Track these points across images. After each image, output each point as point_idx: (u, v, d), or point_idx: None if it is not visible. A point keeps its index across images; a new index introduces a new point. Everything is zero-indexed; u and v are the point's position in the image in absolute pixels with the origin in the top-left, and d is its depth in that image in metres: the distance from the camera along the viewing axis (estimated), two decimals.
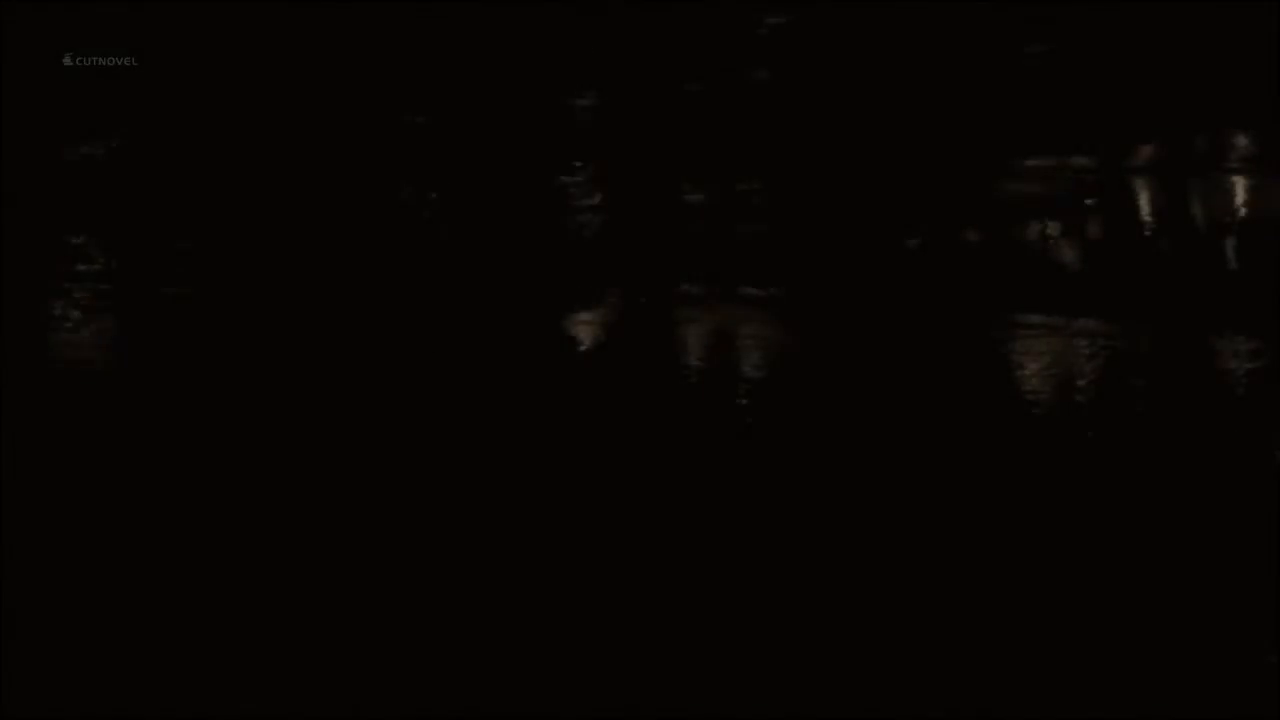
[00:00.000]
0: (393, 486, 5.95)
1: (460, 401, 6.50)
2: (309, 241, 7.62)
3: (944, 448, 5.95)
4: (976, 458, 5.90)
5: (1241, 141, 7.69)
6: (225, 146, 7.98)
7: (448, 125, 7.75)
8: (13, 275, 7.23)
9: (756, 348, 6.75)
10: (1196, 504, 5.59)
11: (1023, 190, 7.62)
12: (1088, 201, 7.49)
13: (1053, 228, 7.36)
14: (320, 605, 5.36)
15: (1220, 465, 5.80)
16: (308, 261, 7.51)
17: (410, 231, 7.66)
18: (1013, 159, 7.80)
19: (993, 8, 8.15)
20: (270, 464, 6.16)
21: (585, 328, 6.96)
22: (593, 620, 5.25)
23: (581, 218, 7.69)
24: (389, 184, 7.94)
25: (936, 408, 6.25)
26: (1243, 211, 7.28)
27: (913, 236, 7.38)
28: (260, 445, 6.29)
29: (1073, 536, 5.46)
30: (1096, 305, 6.78)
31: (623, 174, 7.92)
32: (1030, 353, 6.49)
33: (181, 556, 5.62)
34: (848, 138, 7.90)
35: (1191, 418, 6.08)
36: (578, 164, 7.99)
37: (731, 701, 4.92)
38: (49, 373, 6.82)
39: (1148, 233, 7.31)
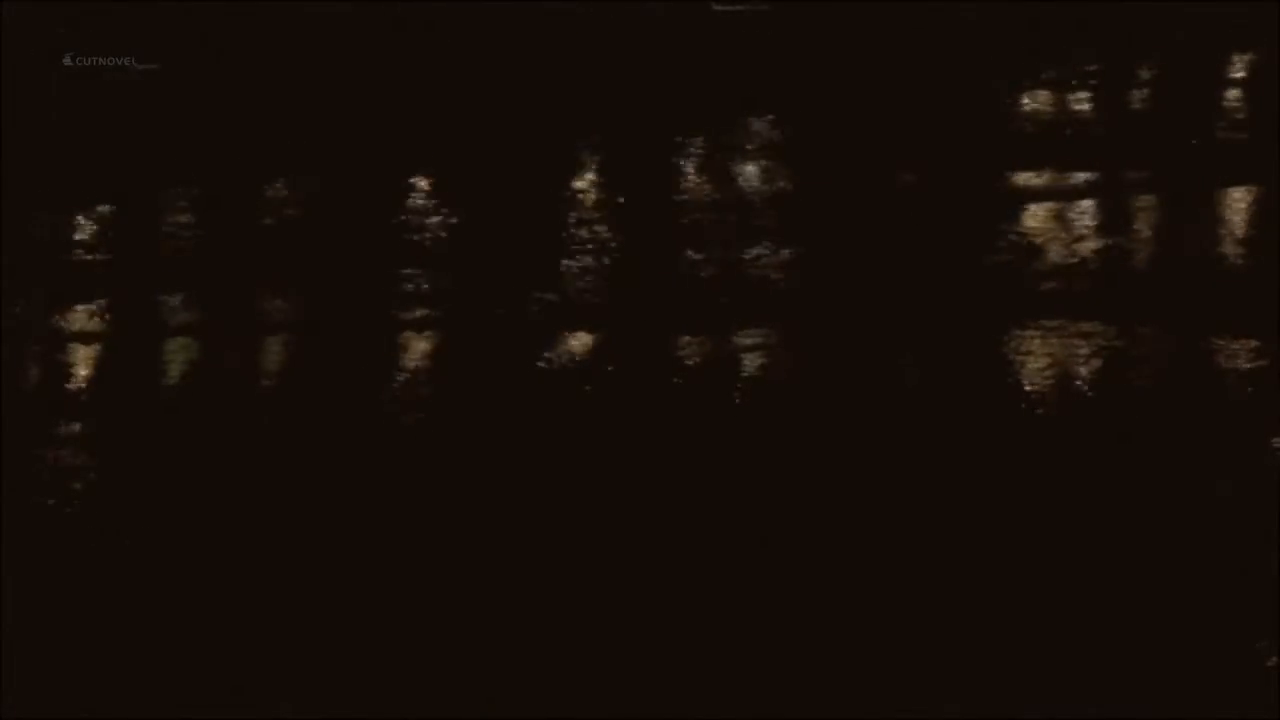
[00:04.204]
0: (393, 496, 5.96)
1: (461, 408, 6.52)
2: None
3: (943, 449, 5.96)
4: (975, 459, 5.90)
5: (1239, 142, 7.67)
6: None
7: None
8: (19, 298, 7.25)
9: (754, 346, 6.76)
10: (1197, 504, 5.59)
11: (1023, 192, 7.60)
12: (1088, 204, 7.48)
13: (1052, 228, 7.36)
14: (318, 605, 5.37)
15: (1220, 465, 5.80)
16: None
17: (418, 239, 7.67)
18: (1012, 162, 7.79)
19: (990, 20, 8.14)
20: (269, 467, 6.17)
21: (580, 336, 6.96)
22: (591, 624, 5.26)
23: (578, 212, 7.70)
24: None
25: (935, 409, 6.25)
26: (1243, 212, 7.27)
27: (911, 237, 7.38)
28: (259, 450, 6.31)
29: (1072, 537, 5.46)
30: (1096, 306, 6.78)
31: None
32: (1029, 353, 6.50)
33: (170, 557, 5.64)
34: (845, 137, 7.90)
35: (1191, 418, 6.08)
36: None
37: (733, 703, 4.93)
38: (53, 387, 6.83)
39: (1148, 233, 7.31)
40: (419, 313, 7.11)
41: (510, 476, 5.95)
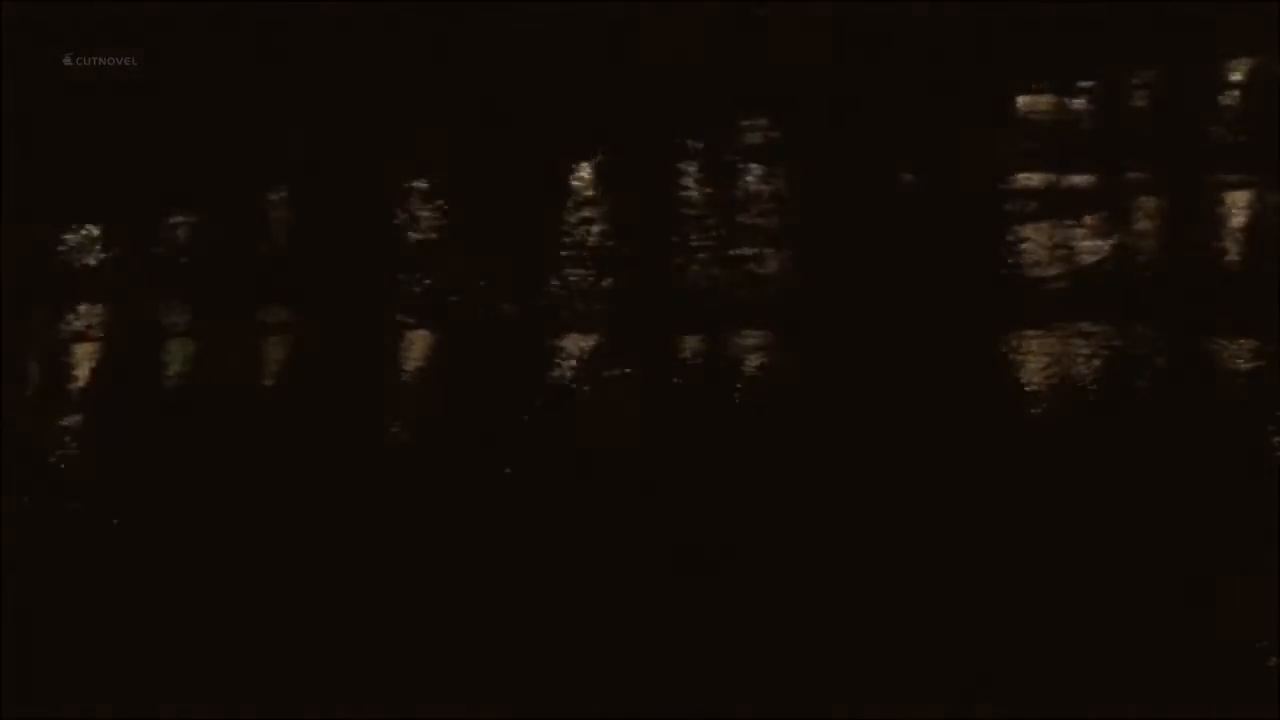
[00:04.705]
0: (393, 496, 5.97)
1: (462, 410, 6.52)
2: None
3: (943, 448, 5.95)
4: (976, 459, 5.90)
5: (1239, 143, 7.69)
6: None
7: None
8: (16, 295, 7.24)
9: (752, 345, 6.76)
10: (1197, 504, 5.59)
11: (1023, 193, 7.61)
12: (1088, 205, 7.49)
13: (1053, 229, 7.37)
14: (318, 605, 5.37)
15: (1220, 465, 5.80)
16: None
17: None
18: (1012, 164, 7.80)
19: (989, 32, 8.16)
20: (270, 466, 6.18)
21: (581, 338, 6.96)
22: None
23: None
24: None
25: (935, 409, 6.25)
26: (1243, 212, 7.28)
27: (911, 238, 7.39)
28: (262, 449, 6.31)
29: (1073, 537, 5.46)
30: (1096, 306, 6.79)
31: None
32: (1029, 353, 6.50)
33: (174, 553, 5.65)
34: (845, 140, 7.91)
35: (1191, 418, 6.08)
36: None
37: (733, 703, 4.93)
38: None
39: (1148, 233, 7.31)
40: (419, 313, 7.11)
41: (510, 476, 5.95)
